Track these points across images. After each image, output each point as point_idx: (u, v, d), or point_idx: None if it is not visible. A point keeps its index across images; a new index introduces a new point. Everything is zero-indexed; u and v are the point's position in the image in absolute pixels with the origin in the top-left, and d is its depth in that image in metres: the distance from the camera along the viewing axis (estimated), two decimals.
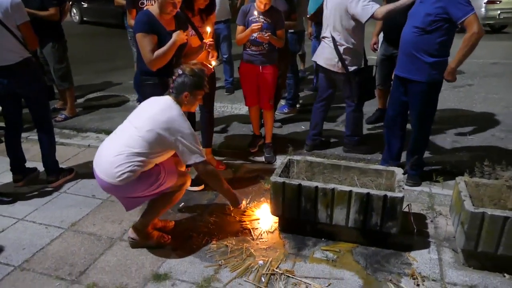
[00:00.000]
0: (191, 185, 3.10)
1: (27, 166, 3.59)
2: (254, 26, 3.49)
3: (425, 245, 2.67)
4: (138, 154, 2.32)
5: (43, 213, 3.09)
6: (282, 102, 5.12)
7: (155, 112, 2.40)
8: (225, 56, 5.89)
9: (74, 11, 14.84)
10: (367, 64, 3.89)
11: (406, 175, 3.40)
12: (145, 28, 2.79)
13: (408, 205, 2.81)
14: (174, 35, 2.83)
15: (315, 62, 3.99)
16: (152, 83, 2.89)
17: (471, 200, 2.41)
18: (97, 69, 7.78)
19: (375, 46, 4.66)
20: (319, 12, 4.99)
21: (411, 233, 2.71)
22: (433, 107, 3.30)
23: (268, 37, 3.54)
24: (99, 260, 2.55)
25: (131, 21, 3.96)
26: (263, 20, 3.55)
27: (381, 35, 4.54)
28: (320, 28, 5.23)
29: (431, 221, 2.93)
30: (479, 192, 2.52)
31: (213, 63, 3.32)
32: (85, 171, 3.69)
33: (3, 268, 2.49)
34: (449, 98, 5.61)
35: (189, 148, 2.39)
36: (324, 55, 3.79)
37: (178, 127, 2.37)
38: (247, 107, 4.08)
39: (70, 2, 14.99)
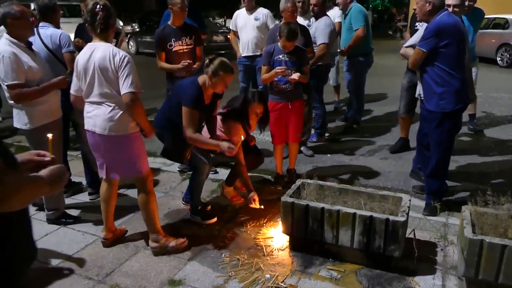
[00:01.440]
0: (204, 219, 3.37)
1: (73, 180, 4.03)
2: (278, 69, 3.66)
3: (431, 271, 2.74)
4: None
5: (82, 221, 3.47)
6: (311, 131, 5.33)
7: None
8: (261, 87, 6.21)
9: (131, 43, 16.14)
10: None
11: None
12: (194, 105, 3.05)
13: (413, 230, 2.90)
14: (224, 146, 3.10)
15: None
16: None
17: (472, 228, 2.49)
18: (144, 96, 8.37)
19: None
20: (350, 47, 5.28)
21: (417, 259, 2.79)
22: (447, 136, 3.36)
23: (297, 78, 3.68)
24: (124, 264, 2.85)
25: (161, 63, 4.07)
26: (288, 59, 3.72)
27: None
28: (352, 62, 5.50)
29: (441, 250, 2.98)
30: (482, 220, 2.58)
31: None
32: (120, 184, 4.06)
33: (41, 266, 2.86)
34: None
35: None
36: None
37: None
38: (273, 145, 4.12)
39: (129, 35, 16.37)
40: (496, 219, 2.54)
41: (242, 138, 3.31)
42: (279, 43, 3.74)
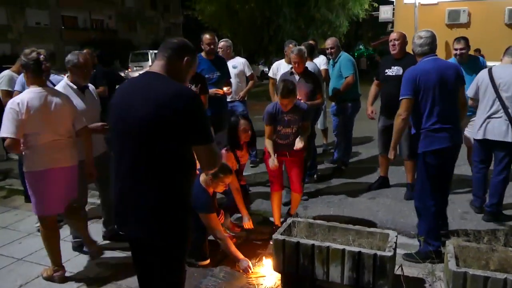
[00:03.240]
0: (197, 260, 3.41)
1: None
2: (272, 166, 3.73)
3: None
4: None
5: (74, 262, 3.50)
6: None
7: None
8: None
9: None
10: None
11: None
12: (209, 208, 3.29)
13: (400, 265, 2.98)
14: (243, 264, 3.24)
15: (485, 139, 4.01)
16: None
17: (456, 261, 2.60)
18: None
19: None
20: (339, 92, 5.58)
21: None
22: (431, 177, 3.37)
23: (301, 146, 3.73)
24: None
25: None
26: (291, 117, 3.80)
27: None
28: (341, 106, 5.74)
29: (429, 285, 3.06)
30: (465, 253, 2.70)
31: None
32: None
33: None
34: None
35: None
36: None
37: None
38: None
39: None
40: (478, 251, 2.66)
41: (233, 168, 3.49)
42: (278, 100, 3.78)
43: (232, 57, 5.99)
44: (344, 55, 5.67)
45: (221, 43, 5.93)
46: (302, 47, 4.75)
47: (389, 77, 4.71)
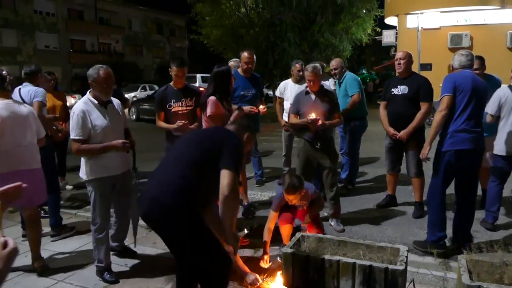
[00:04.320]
0: None
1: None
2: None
3: None
4: None
5: (80, 276, 3.48)
6: None
7: None
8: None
9: (133, 110, 16.92)
10: None
11: None
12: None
13: (412, 280, 2.94)
14: (250, 278, 3.19)
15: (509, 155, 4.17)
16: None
17: (469, 275, 2.56)
18: (144, 157, 8.56)
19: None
20: (346, 111, 5.60)
21: None
22: (444, 175, 3.71)
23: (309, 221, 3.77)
24: None
25: (159, 122, 4.30)
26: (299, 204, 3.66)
27: None
28: (348, 125, 5.74)
29: None
30: (478, 268, 2.66)
31: None
32: None
33: None
34: None
35: None
36: None
37: None
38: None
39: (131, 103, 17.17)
40: (492, 266, 2.62)
41: None
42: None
43: None
44: (349, 75, 5.73)
45: (231, 63, 6.05)
46: (317, 64, 4.58)
47: (395, 96, 4.74)
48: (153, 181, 2.52)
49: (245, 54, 4.99)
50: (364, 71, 38.64)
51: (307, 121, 4.19)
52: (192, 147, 2.60)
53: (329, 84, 6.06)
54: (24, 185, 1.72)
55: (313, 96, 4.38)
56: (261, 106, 5.02)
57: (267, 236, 3.50)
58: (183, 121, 4.06)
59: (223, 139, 2.57)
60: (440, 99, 3.65)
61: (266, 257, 3.41)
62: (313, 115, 4.16)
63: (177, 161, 2.53)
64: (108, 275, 3.42)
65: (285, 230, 3.60)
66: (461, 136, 3.59)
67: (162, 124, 4.28)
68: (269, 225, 3.54)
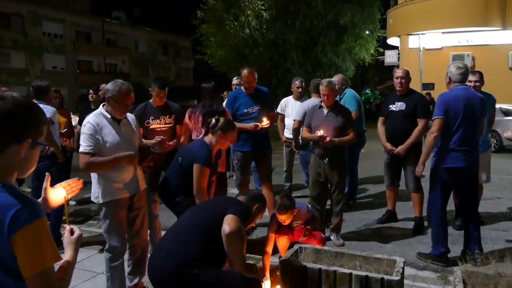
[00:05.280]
0: None
1: None
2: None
3: None
4: None
5: None
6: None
7: None
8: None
9: None
10: None
11: None
12: (207, 163, 3.30)
13: None
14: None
15: None
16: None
17: (464, 286, 2.59)
18: None
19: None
20: None
21: None
22: (440, 191, 3.84)
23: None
24: None
25: None
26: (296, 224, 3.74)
27: None
28: None
29: None
30: (473, 279, 2.68)
31: None
32: None
33: None
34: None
35: None
36: None
37: None
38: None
39: None
40: (486, 277, 2.65)
41: None
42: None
43: None
44: (349, 92, 5.84)
45: (234, 81, 6.21)
46: (333, 79, 4.63)
47: (392, 112, 4.83)
48: (161, 251, 2.66)
49: (244, 72, 4.69)
50: (368, 91, 38.93)
51: (315, 137, 4.28)
52: (203, 216, 2.74)
53: None
54: (81, 180, 1.85)
55: (325, 111, 4.40)
56: (264, 120, 4.60)
57: (265, 260, 3.42)
58: (162, 137, 3.94)
59: (231, 204, 2.76)
60: (433, 120, 3.77)
61: (266, 281, 3.32)
62: (321, 132, 4.21)
63: (186, 231, 2.67)
64: None
65: (282, 241, 3.62)
66: (452, 154, 3.72)
67: None
68: (267, 249, 3.48)
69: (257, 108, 4.68)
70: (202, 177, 3.27)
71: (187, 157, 3.40)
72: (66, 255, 1.47)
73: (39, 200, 1.63)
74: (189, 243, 2.54)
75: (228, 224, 2.50)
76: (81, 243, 1.55)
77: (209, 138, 3.44)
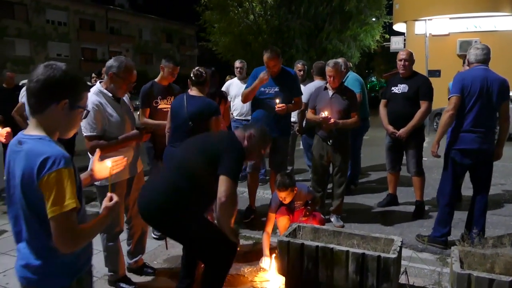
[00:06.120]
0: None
1: None
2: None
3: None
4: None
5: None
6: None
7: None
8: None
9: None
10: None
11: None
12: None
13: (404, 269, 2.96)
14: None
15: None
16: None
17: (461, 264, 2.58)
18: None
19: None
20: None
21: None
22: (451, 173, 3.80)
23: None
24: None
25: (144, 119, 4.05)
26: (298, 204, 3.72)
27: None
28: None
29: None
30: (470, 259, 2.68)
31: None
32: None
33: None
34: None
35: None
36: None
37: None
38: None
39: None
40: (483, 257, 2.64)
41: None
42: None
43: (245, 78, 6.10)
44: (352, 75, 5.79)
45: (238, 64, 6.20)
46: (339, 60, 4.57)
47: (395, 94, 4.78)
48: (149, 186, 2.77)
49: (264, 57, 4.31)
50: (373, 79, 38.60)
51: (319, 119, 4.23)
52: (193, 152, 2.73)
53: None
54: (125, 158, 2.05)
55: (330, 93, 4.37)
56: (277, 101, 4.22)
57: (265, 239, 3.51)
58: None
59: (225, 145, 2.69)
60: (449, 99, 3.69)
61: (266, 260, 3.40)
62: (325, 113, 4.17)
63: (175, 167, 2.74)
64: (125, 284, 3.17)
65: (282, 222, 3.63)
66: (466, 135, 3.65)
67: (148, 121, 4.01)
68: (267, 229, 3.57)
69: (276, 89, 4.37)
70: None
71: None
72: (100, 215, 1.68)
73: (88, 171, 1.98)
74: (177, 181, 2.60)
75: (224, 190, 2.47)
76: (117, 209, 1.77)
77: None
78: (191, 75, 3.75)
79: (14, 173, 1.53)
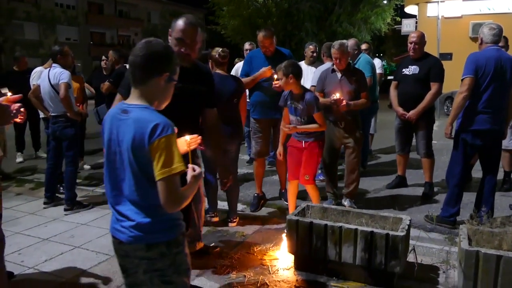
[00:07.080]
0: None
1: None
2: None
3: None
4: None
5: (95, 243, 3.65)
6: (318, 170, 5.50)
7: None
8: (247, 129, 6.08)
9: None
10: None
11: None
12: None
13: (413, 247, 2.99)
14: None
15: None
16: None
17: (469, 242, 2.60)
18: None
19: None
20: None
21: (420, 280, 2.86)
22: (462, 153, 3.78)
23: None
24: None
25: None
26: (296, 106, 3.72)
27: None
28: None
29: (443, 272, 3.05)
30: (478, 236, 2.69)
31: None
32: None
33: (56, 280, 3.03)
34: None
35: None
36: None
37: None
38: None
39: None
40: (491, 234, 2.66)
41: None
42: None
43: None
44: (363, 57, 5.74)
45: (247, 46, 6.17)
46: (345, 41, 4.49)
47: (406, 76, 4.74)
48: None
49: (259, 36, 4.40)
50: (384, 62, 38.08)
51: (331, 101, 4.15)
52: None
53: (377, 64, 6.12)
54: (199, 136, 2.11)
55: (339, 75, 4.31)
56: (275, 77, 4.10)
57: (280, 137, 3.99)
58: None
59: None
60: (462, 80, 3.63)
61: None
62: (337, 95, 4.11)
63: None
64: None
65: (292, 186, 3.92)
66: (478, 116, 3.62)
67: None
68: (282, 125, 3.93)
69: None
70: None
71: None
72: (189, 183, 1.72)
73: None
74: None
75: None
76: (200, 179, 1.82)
77: None
78: (216, 55, 3.84)
79: (121, 139, 1.64)
